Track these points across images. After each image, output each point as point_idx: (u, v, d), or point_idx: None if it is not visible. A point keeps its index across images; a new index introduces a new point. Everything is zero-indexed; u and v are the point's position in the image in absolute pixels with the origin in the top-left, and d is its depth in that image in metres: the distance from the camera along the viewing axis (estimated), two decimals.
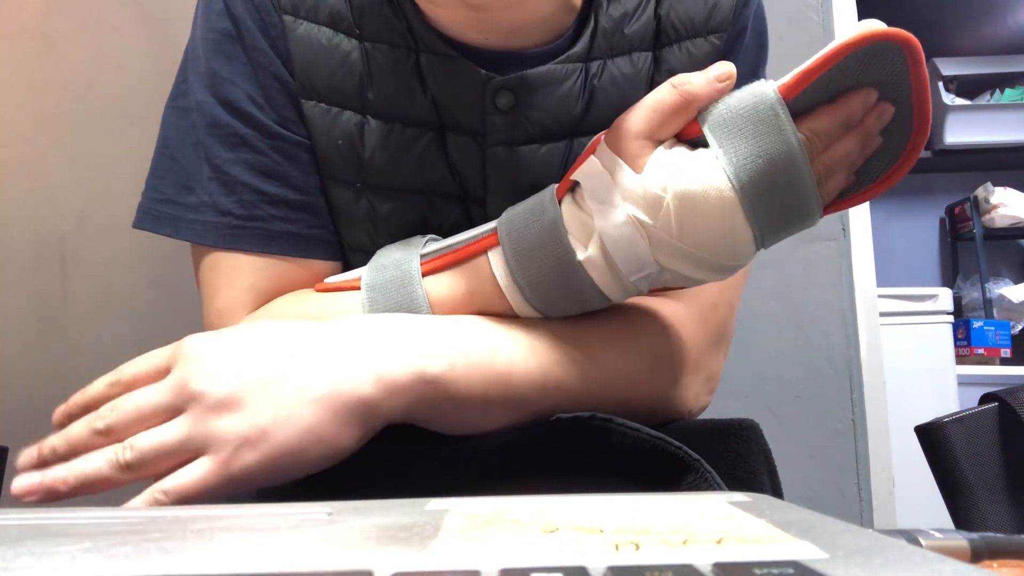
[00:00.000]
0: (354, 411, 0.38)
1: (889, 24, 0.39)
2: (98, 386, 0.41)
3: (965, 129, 2.64)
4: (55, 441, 0.39)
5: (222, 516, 0.25)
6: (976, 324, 2.49)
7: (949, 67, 2.74)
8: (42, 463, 0.39)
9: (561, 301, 0.44)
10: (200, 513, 0.26)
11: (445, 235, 0.49)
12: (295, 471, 0.38)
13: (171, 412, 0.38)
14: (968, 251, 2.84)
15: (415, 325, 0.43)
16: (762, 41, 0.55)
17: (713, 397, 0.54)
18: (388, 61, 0.49)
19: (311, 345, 0.40)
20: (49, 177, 1.30)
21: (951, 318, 2.04)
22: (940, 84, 2.71)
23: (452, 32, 0.49)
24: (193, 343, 0.40)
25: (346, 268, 0.53)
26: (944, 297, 2.02)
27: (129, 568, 0.17)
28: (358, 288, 0.47)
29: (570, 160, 0.51)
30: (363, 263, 0.49)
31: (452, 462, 0.43)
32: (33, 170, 1.31)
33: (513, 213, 0.45)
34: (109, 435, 0.38)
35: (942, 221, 2.99)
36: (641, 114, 0.42)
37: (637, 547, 0.18)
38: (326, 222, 0.52)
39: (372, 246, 0.51)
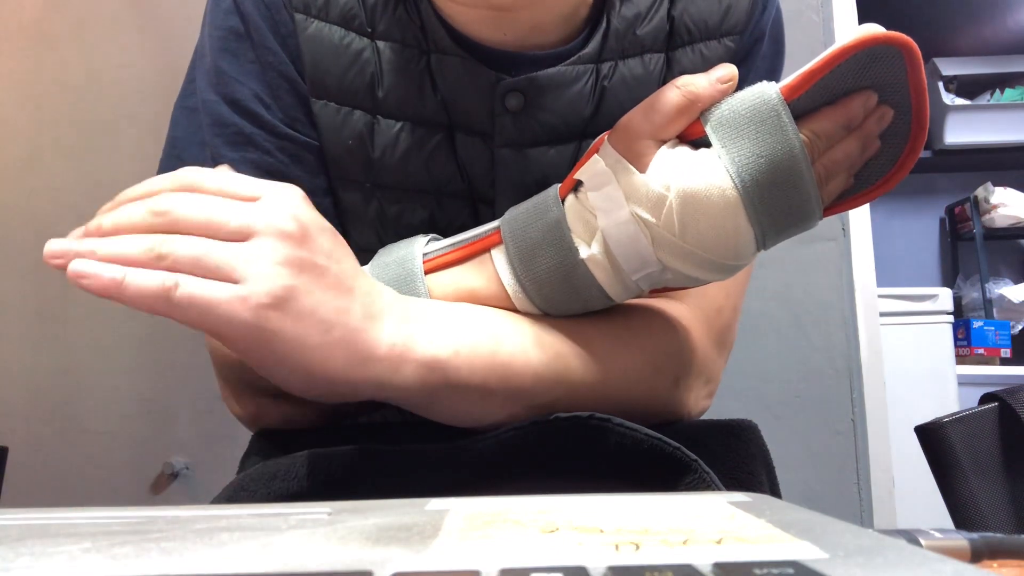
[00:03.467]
0: (364, 364, 0.38)
1: (889, 24, 0.40)
2: (162, 182, 0.38)
3: (965, 129, 2.64)
4: (103, 219, 0.37)
5: (222, 516, 0.25)
6: (976, 324, 2.49)
7: (949, 67, 2.74)
8: (86, 235, 0.37)
9: (563, 299, 0.44)
10: (200, 513, 0.26)
11: (453, 235, 0.49)
12: (284, 369, 0.37)
13: (239, 237, 0.36)
14: (968, 251, 2.84)
15: (425, 309, 0.43)
16: (779, 48, 0.55)
17: (712, 400, 0.54)
18: (399, 61, 0.49)
19: (366, 286, 0.40)
20: (49, 177, 1.30)
21: (951, 318, 2.04)
22: (940, 84, 2.71)
23: (470, 31, 0.49)
24: (300, 200, 0.39)
25: None
26: (944, 297, 2.02)
27: (129, 568, 0.17)
28: None
29: (578, 161, 0.51)
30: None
31: (451, 461, 0.43)
32: (33, 170, 1.31)
33: (516, 211, 0.45)
34: (166, 221, 0.36)
35: (942, 221, 3.00)
36: (645, 114, 0.42)
37: (637, 547, 0.19)
38: (333, 223, 0.52)
39: (380, 246, 0.51)
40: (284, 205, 0.38)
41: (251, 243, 0.36)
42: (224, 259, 0.35)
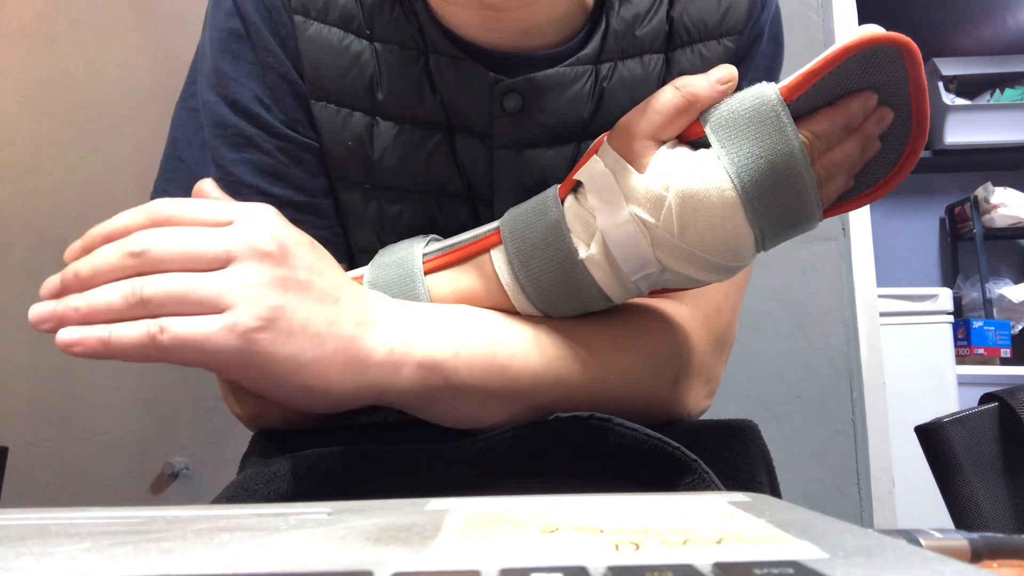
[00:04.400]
0: (361, 370, 0.38)
1: (889, 24, 0.39)
2: (132, 217, 0.37)
3: (965, 129, 2.64)
4: (79, 264, 0.37)
5: (222, 516, 0.25)
6: (976, 324, 2.49)
7: (949, 67, 2.74)
8: (63, 290, 0.37)
9: (563, 300, 0.44)
10: (200, 513, 0.26)
11: (453, 236, 0.49)
12: (282, 387, 0.37)
13: (219, 264, 0.36)
14: (968, 251, 2.84)
15: (423, 312, 0.43)
16: (778, 47, 0.55)
17: (712, 400, 0.54)
18: (398, 62, 0.49)
19: (354, 294, 0.40)
20: (49, 177, 1.30)
21: (951, 318, 2.04)
22: (940, 84, 2.71)
23: (465, 32, 0.49)
24: (274, 217, 0.38)
25: (353, 269, 0.53)
26: (944, 297, 2.02)
27: (129, 568, 0.17)
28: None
29: (577, 162, 0.51)
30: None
31: (451, 461, 0.43)
32: (33, 170, 1.31)
33: (516, 212, 0.45)
34: (141, 259, 0.36)
35: (942, 221, 3.00)
36: (644, 115, 0.42)
37: (637, 547, 0.19)
38: (332, 224, 0.52)
39: (380, 247, 0.51)
40: (259, 225, 0.37)
41: (232, 269, 0.36)
42: (208, 291, 0.35)
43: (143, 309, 0.35)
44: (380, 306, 0.42)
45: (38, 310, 0.36)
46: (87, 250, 0.38)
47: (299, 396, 0.38)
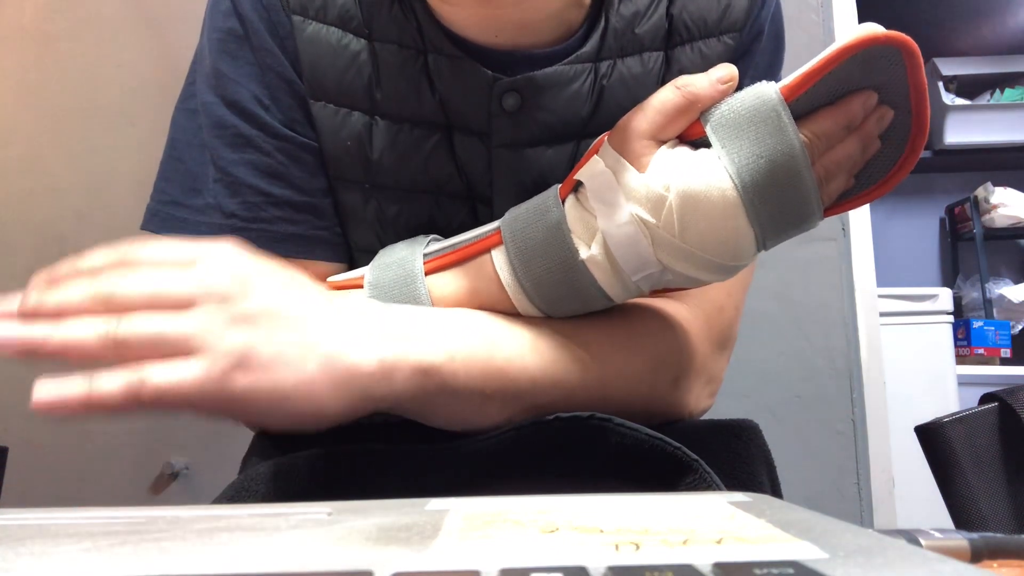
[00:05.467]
0: (350, 383, 0.38)
1: (889, 24, 0.39)
2: (101, 259, 0.38)
3: (965, 129, 2.64)
4: (45, 296, 0.36)
5: (222, 516, 0.25)
6: (976, 324, 2.49)
7: (949, 67, 2.75)
8: (22, 315, 0.36)
9: (563, 300, 0.44)
10: (200, 513, 0.26)
11: (452, 235, 0.49)
12: (273, 418, 0.37)
13: (184, 305, 0.36)
14: (968, 251, 2.84)
15: (417, 316, 0.43)
16: (779, 44, 0.55)
17: (714, 399, 0.54)
18: (397, 61, 0.49)
19: (328, 311, 0.40)
20: (49, 177, 1.30)
21: (951, 318, 2.04)
22: (940, 84, 2.71)
23: (463, 31, 0.49)
24: (235, 255, 0.38)
25: (353, 268, 0.53)
26: (944, 297, 2.03)
27: (129, 568, 0.17)
28: (361, 287, 0.47)
29: (577, 161, 0.51)
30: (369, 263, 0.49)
31: (451, 461, 0.43)
32: (33, 170, 1.31)
33: (516, 212, 0.45)
34: (109, 305, 0.36)
35: (942, 221, 3.00)
36: (645, 114, 0.42)
37: (637, 547, 0.18)
38: (331, 224, 0.52)
39: (380, 246, 0.50)
40: (218, 265, 0.37)
41: (198, 311, 0.36)
42: (178, 333, 0.35)
43: (116, 350, 0.35)
44: (368, 315, 0.41)
45: (3, 331, 0.35)
46: (53, 283, 0.37)
47: (294, 422, 0.38)
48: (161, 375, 0.34)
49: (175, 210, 0.51)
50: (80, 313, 0.36)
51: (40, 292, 0.36)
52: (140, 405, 0.34)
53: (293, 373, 0.36)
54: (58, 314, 0.36)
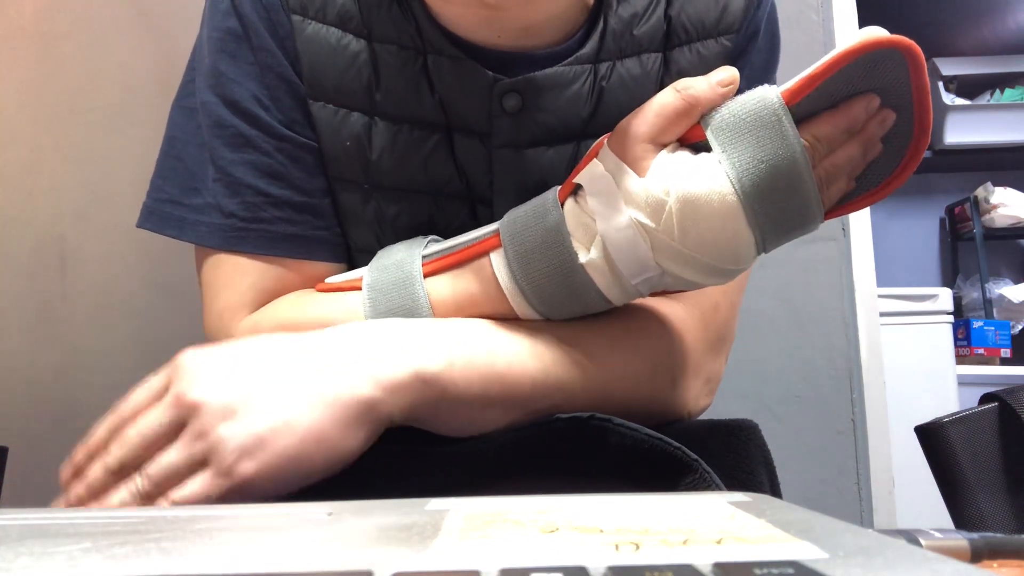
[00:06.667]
0: (354, 411, 0.38)
1: (889, 24, 0.39)
2: (101, 433, 0.41)
3: (965, 129, 2.64)
4: (78, 491, 0.39)
5: (222, 516, 0.25)
6: (976, 324, 2.49)
7: (949, 67, 2.74)
8: (69, 506, 0.39)
9: (562, 303, 0.44)
10: (200, 513, 0.26)
11: (452, 236, 0.49)
12: (300, 477, 0.38)
13: (176, 428, 0.38)
14: (968, 251, 2.84)
15: (412, 327, 0.43)
16: (774, 43, 0.55)
17: (713, 398, 0.54)
18: (396, 62, 0.49)
19: (307, 352, 0.40)
20: (49, 177, 1.30)
21: (951, 318, 2.04)
22: (940, 84, 2.71)
23: (463, 31, 0.49)
24: (188, 357, 0.40)
25: (352, 269, 0.53)
26: (944, 297, 2.03)
27: (129, 568, 0.17)
28: (359, 288, 0.47)
29: (577, 162, 0.51)
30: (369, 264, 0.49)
31: (451, 462, 0.43)
32: (33, 170, 1.31)
33: (515, 215, 0.45)
34: (123, 471, 0.38)
35: (942, 221, 3.00)
36: (645, 118, 0.42)
37: (637, 547, 0.19)
38: (331, 224, 0.52)
39: (379, 247, 0.50)
40: (181, 380, 0.38)
41: (187, 429, 0.37)
42: (183, 458, 0.37)
43: (153, 500, 0.37)
44: (363, 337, 0.41)
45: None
46: (78, 470, 0.40)
47: (321, 472, 0.38)
48: (179, 494, 0.37)
49: (173, 208, 0.51)
50: (105, 487, 0.39)
51: (73, 486, 0.40)
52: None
53: (293, 432, 0.37)
54: (94, 498, 0.39)
